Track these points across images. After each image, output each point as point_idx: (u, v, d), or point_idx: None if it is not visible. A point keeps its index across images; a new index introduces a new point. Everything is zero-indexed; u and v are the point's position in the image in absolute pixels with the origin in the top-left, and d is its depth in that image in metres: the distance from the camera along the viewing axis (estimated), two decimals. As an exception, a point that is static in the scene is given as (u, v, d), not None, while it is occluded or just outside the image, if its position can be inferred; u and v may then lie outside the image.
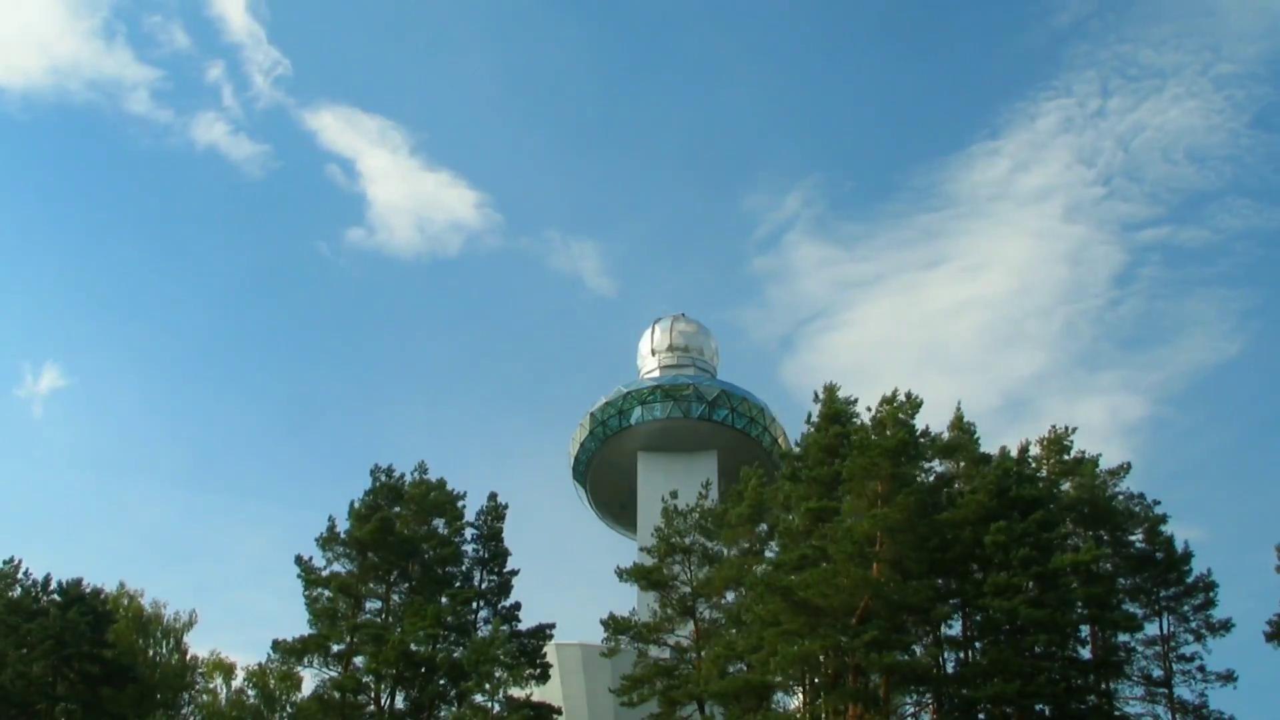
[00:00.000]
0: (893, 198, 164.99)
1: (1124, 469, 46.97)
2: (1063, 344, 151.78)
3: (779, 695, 42.31)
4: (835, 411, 44.42)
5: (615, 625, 47.83)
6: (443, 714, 46.56)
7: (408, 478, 51.51)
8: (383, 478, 51.36)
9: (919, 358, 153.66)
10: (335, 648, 47.41)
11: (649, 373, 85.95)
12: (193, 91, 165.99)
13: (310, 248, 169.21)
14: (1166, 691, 43.45)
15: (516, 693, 45.69)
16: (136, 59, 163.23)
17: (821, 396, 45.43)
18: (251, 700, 56.69)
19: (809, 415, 46.09)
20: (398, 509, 50.26)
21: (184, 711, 59.40)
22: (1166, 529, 45.83)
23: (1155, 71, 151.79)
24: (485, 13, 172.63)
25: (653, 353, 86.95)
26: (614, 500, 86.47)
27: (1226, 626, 44.11)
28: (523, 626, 48.08)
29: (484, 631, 47.79)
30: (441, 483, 51.23)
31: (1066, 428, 48.02)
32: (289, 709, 53.69)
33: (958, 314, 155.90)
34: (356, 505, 49.85)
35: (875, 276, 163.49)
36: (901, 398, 42.35)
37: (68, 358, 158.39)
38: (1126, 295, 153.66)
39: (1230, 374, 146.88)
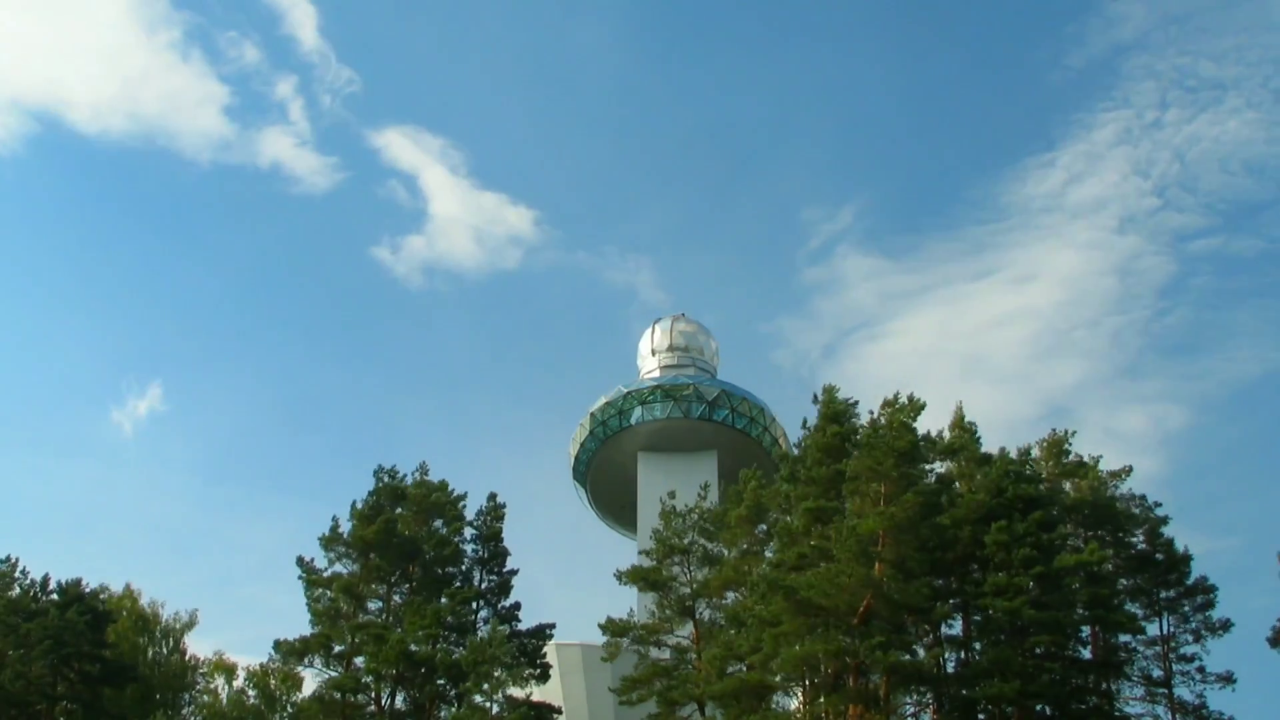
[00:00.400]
0: (945, 210, 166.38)
1: (1125, 471, 47.12)
2: (1108, 354, 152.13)
3: (779, 696, 42.29)
4: (834, 412, 44.40)
5: (614, 628, 47.81)
6: (443, 714, 46.55)
7: (410, 479, 51.54)
8: (385, 478, 51.38)
9: (961, 368, 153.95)
10: (336, 648, 47.44)
11: (649, 373, 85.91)
12: (262, 108, 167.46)
13: (361, 256, 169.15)
14: (1167, 692, 43.53)
15: (516, 693, 45.66)
16: (209, 75, 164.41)
17: (821, 397, 45.42)
18: (252, 700, 56.67)
19: (804, 421, 46.31)
20: (400, 510, 50.28)
21: (184, 712, 59.39)
22: (1167, 530, 46.01)
23: (1215, 84, 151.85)
24: (540, 36, 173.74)
25: (653, 353, 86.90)
26: (614, 500, 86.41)
27: (1226, 627, 44.22)
28: (523, 627, 48.14)
29: (484, 632, 47.78)
30: (443, 484, 51.25)
31: (1066, 431, 48.26)
32: (289, 709, 53.66)
33: (1003, 325, 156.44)
34: (359, 505, 49.90)
35: (922, 288, 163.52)
36: (904, 400, 42.35)
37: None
38: (1175, 305, 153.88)
39: (1275, 383, 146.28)
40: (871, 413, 43.85)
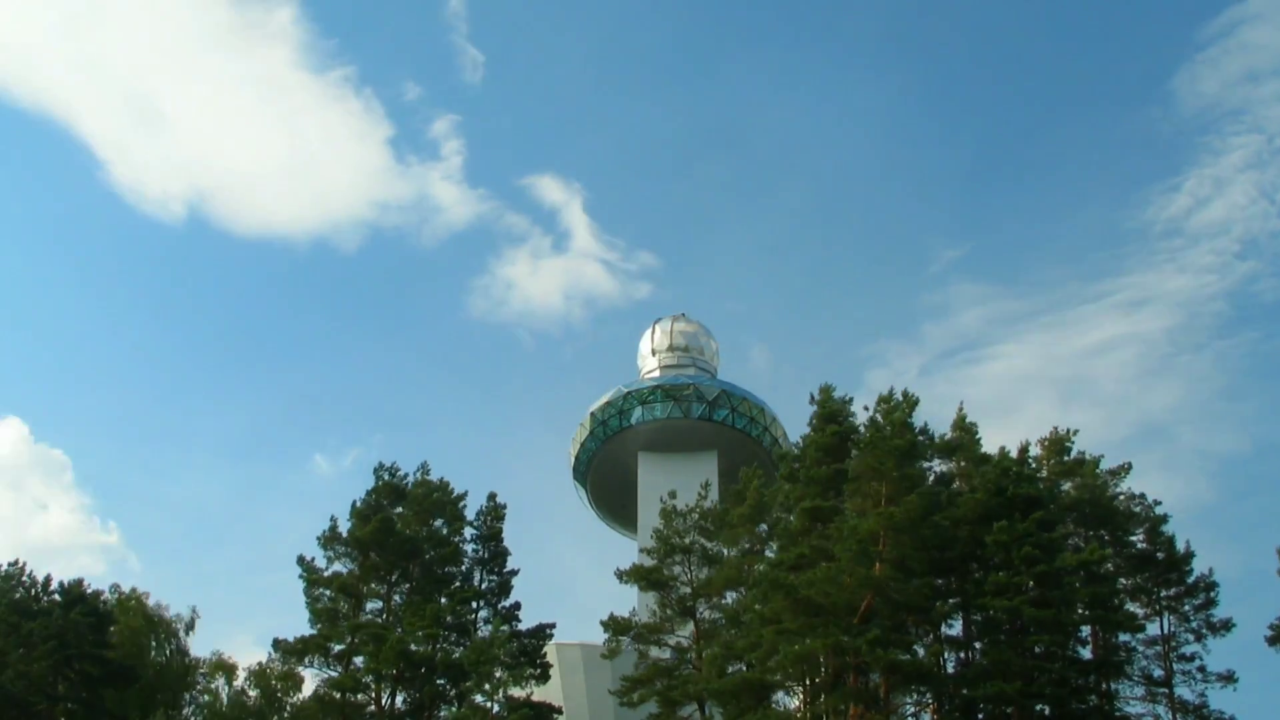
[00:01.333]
0: (1063, 236, 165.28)
1: (1124, 469, 47.04)
2: (1209, 376, 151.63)
3: (779, 695, 42.29)
4: (831, 412, 44.39)
5: (615, 626, 47.82)
6: (442, 714, 46.56)
7: (411, 477, 51.55)
8: (385, 476, 51.37)
9: (1059, 391, 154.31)
10: (336, 648, 47.44)
11: (649, 373, 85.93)
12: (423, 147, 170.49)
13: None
14: (1167, 691, 43.51)
15: (516, 693, 45.69)
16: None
17: (818, 397, 45.40)
18: (253, 700, 56.68)
19: (811, 419, 46.10)
20: (399, 509, 50.27)
21: (185, 712, 59.40)
22: (1167, 529, 45.92)
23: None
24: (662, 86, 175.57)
25: (653, 353, 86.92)
26: (614, 500, 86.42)
27: (1227, 626, 44.19)
28: (523, 626, 48.13)
29: (484, 631, 47.81)
30: (443, 483, 51.25)
31: (1068, 430, 48.13)
32: (290, 709, 53.67)
33: (1107, 350, 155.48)
34: (358, 504, 49.91)
35: (1030, 312, 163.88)
36: (899, 397, 42.34)
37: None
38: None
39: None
40: (867, 408, 43.91)
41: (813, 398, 45.50)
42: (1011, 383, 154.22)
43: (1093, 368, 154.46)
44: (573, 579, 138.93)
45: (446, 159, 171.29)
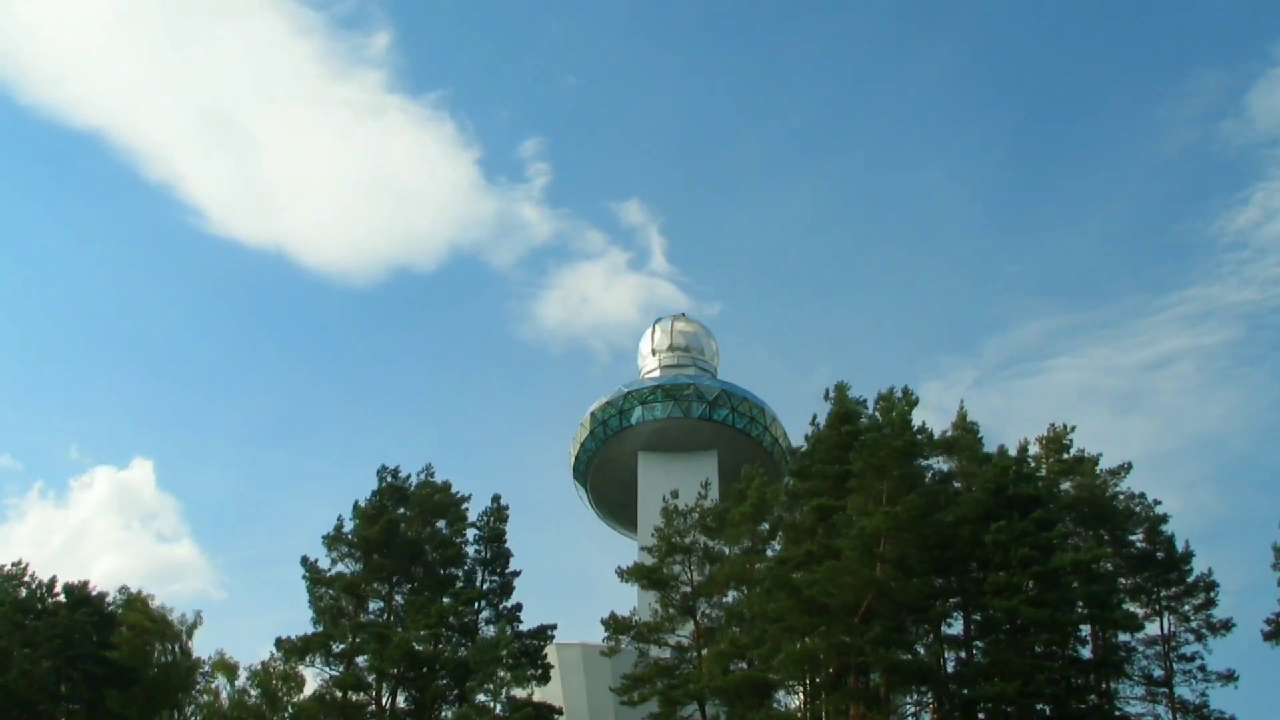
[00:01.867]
0: (1128, 250, 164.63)
1: (1124, 469, 47.07)
2: (1266, 388, 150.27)
3: (780, 693, 42.37)
4: (846, 411, 44.49)
5: (616, 625, 47.88)
6: (444, 714, 46.67)
7: (414, 479, 51.67)
8: (389, 478, 51.48)
9: (1115, 403, 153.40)
10: (337, 647, 47.53)
11: (649, 372, 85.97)
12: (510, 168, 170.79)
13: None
14: (1167, 691, 43.54)
15: (518, 693, 45.79)
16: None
17: (833, 395, 45.53)
18: (254, 700, 56.75)
19: (813, 417, 46.31)
20: (403, 510, 50.37)
21: (186, 711, 59.49)
22: (1167, 528, 45.95)
23: None
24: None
25: (653, 353, 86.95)
26: (614, 500, 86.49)
27: (1227, 626, 44.19)
28: (524, 627, 48.23)
29: (486, 632, 47.92)
30: (446, 485, 51.38)
31: (1065, 426, 48.13)
32: (291, 708, 53.73)
33: (1166, 363, 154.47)
34: (362, 505, 50.00)
35: (1090, 325, 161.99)
36: (899, 394, 42.41)
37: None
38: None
39: None
40: (868, 404, 44.00)
41: (827, 394, 45.67)
42: (1066, 395, 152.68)
43: (1151, 380, 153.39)
44: (573, 579, 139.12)
45: (532, 180, 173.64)
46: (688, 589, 47.75)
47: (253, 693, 57.42)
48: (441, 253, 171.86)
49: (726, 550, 47.79)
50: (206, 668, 61.41)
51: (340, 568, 49.24)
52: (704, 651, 45.40)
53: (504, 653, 45.29)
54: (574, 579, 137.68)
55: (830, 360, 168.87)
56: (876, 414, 42.85)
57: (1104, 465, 46.93)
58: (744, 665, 42.32)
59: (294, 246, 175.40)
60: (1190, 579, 45.09)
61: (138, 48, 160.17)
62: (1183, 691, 43.55)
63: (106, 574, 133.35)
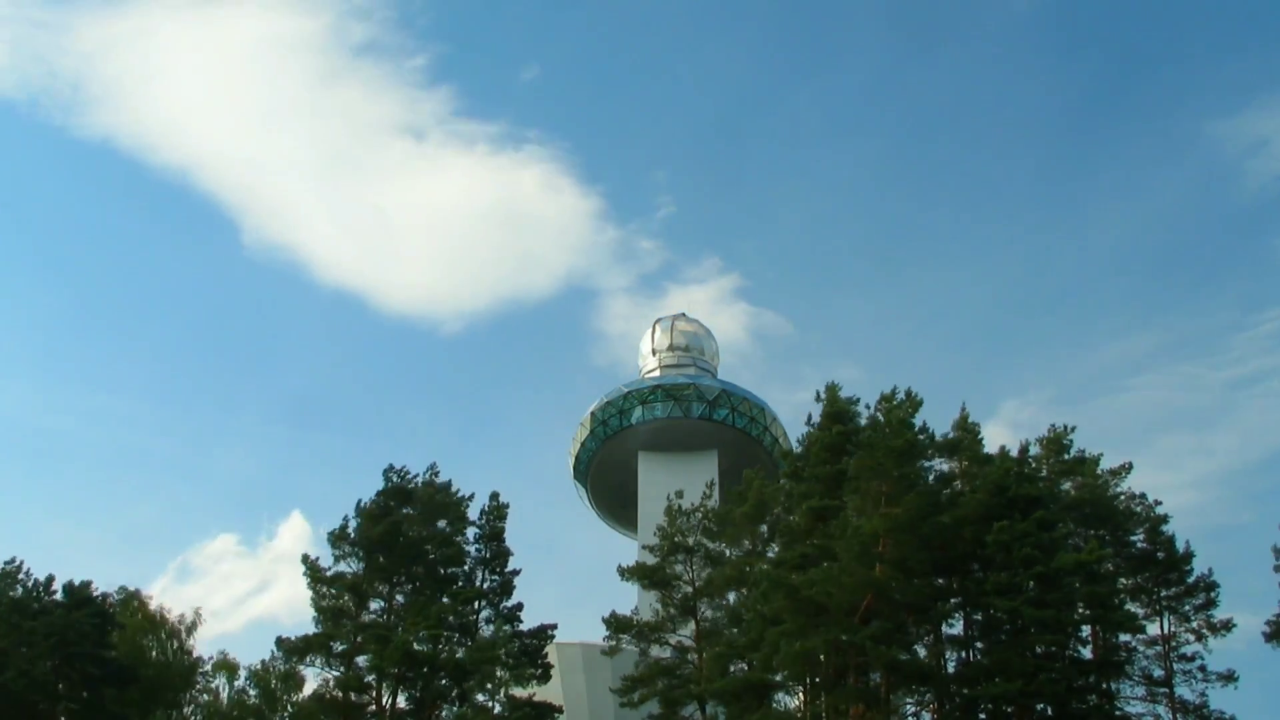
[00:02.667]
0: (1211, 267, 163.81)
1: (1125, 469, 47.05)
2: None
3: (780, 694, 42.33)
4: (838, 410, 44.41)
5: (617, 624, 47.85)
6: (444, 713, 46.61)
7: (420, 479, 51.63)
8: (395, 478, 51.43)
9: (1189, 423, 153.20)
10: (338, 646, 47.47)
11: (649, 372, 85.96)
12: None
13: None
14: (1168, 691, 43.48)
15: (518, 692, 45.73)
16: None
17: (824, 395, 45.41)
18: (253, 700, 56.72)
19: (808, 417, 46.23)
20: (407, 510, 50.32)
21: (185, 711, 59.45)
22: (1167, 529, 45.92)
23: None
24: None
25: (653, 352, 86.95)
26: (615, 500, 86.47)
27: (1228, 626, 44.12)
28: (524, 626, 48.17)
29: (486, 631, 47.87)
30: (449, 484, 51.34)
31: (1066, 426, 48.12)
32: (290, 708, 53.69)
33: (1244, 384, 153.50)
34: (366, 505, 49.94)
35: (1170, 344, 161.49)
36: (901, 395, 42.34)
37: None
38: None
39: None
40: (868, 406, 43.91)
41: (819, 395, 45.56)
42: (1147, 412, 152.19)
43: (1234, 399, 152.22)
44: (574, 579, 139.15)
45: (652, 213, 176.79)
46: (689, 589, 47.71)
47: (252, 692, 57.46)
48: (553, 281, 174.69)
49: (727, 551, 47.75)
50: (206, 667, 61.50)
51: (342, 567, 49.21)
52: (704, 652, 45.35)
53: (502, 652, 45.23)
54: (574, 579, 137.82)
55: (914, 377, 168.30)
56: (878, 414, 42.75)
57: (1105, 465, 47.04)
58: (744, 666, 42.28)
59: (383, 287, 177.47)
60: (1190, 579, 45.06)
61: (239, 100, 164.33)
62: (1183, 692, 43.53)
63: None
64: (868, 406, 44.27)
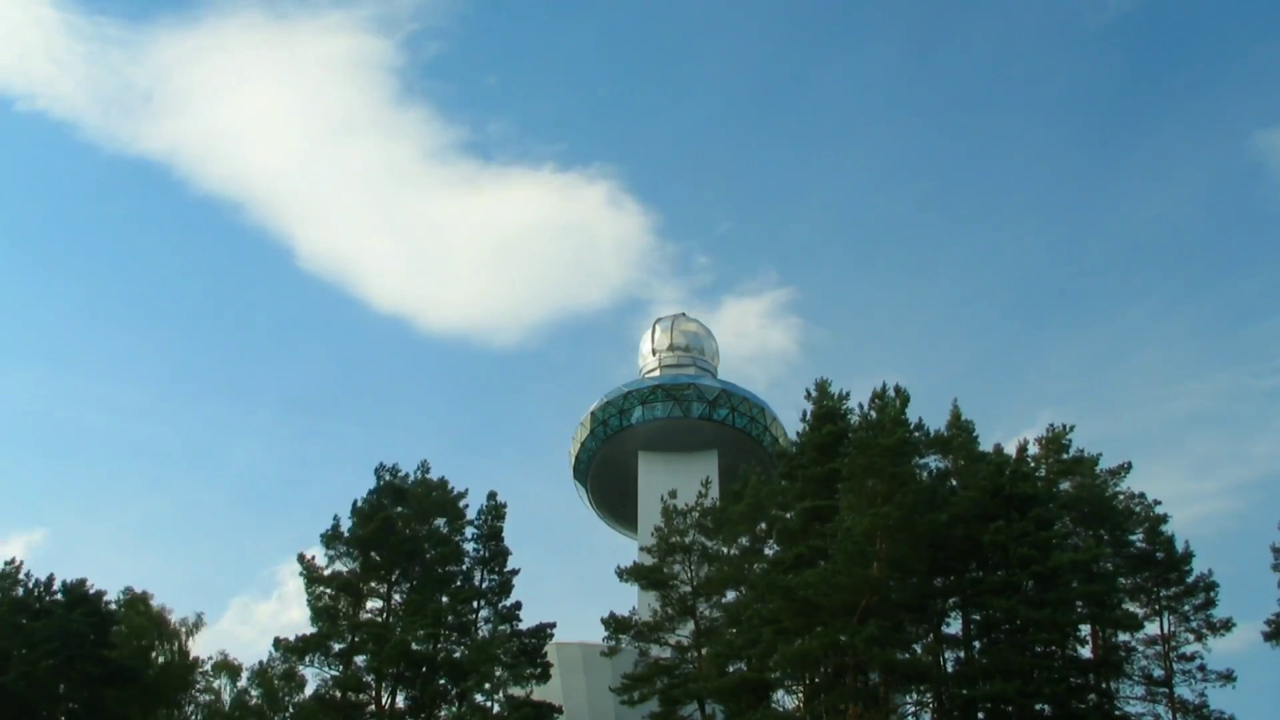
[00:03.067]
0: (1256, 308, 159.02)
1: (1124, 468, 47.00)
2: None
3: (779, 694, 42.31)
4: (827, 409, 44.32)
5: (616, 624, 47.88)
6: (443, 713, 46.61)
7: (411, 477, 51.60)
8: (387, 476, 51.43)
9: (1235, 430, 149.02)
10: (336, 646, 47.48)
11: (649, 372, 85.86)
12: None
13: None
14: (1167, 691, 43.44)
15: (517, 692, 45.74)
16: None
17: (814, 394, 45.31)
18: (254, 700, 56.77)
19: (803, 414, 46.12)
20: (400, 508, 50.32)
21: (186, 711, 59.52)
22: (1166, 528, 45.87)
23: None
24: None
25: (653, 352, 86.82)
26: (614, 500, 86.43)
27: (1228, 626, 44.07)
28: (523, 626, 48.19)
29: (485, 631, 47.88)
30: (443, 482, 51.32)
31: (1065, 426, 48.07)
32: (292, 708, 53.72)
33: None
34: (359, 504, 49.95)
35: (1214, 348, 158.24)
36: (891, 393, 42.28)
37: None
38: None
39: None
40: (861, 405, 43.81)
41: (809, 393, 45.45)
42: (1186, 418, 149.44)
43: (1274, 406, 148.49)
44: (573, 579, 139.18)
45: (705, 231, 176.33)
46: (687, 589, 47.72)
47: (253, 693, 57.52)
48: (609, 295, 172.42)
49: (725, 550, 47.75)
50: (207, 667, 61.58)
51: (338, 566, 49.21)
52: (703, 651, 45.36)
53: (501, 651, 45.24)
54: (574, 579, 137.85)
55: (956, 388, 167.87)
56: (870, 412, 42.67)
57: (1105, 465, 46.98)
58: (742, 666, 42.27)
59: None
60: (1190, 579, 45.01)
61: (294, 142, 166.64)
62: (1182, 691, 43.50)
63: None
64: (860, 405, 44.23)
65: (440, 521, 50.45)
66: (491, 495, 51.11)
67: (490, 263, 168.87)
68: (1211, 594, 44.70)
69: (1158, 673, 43.97)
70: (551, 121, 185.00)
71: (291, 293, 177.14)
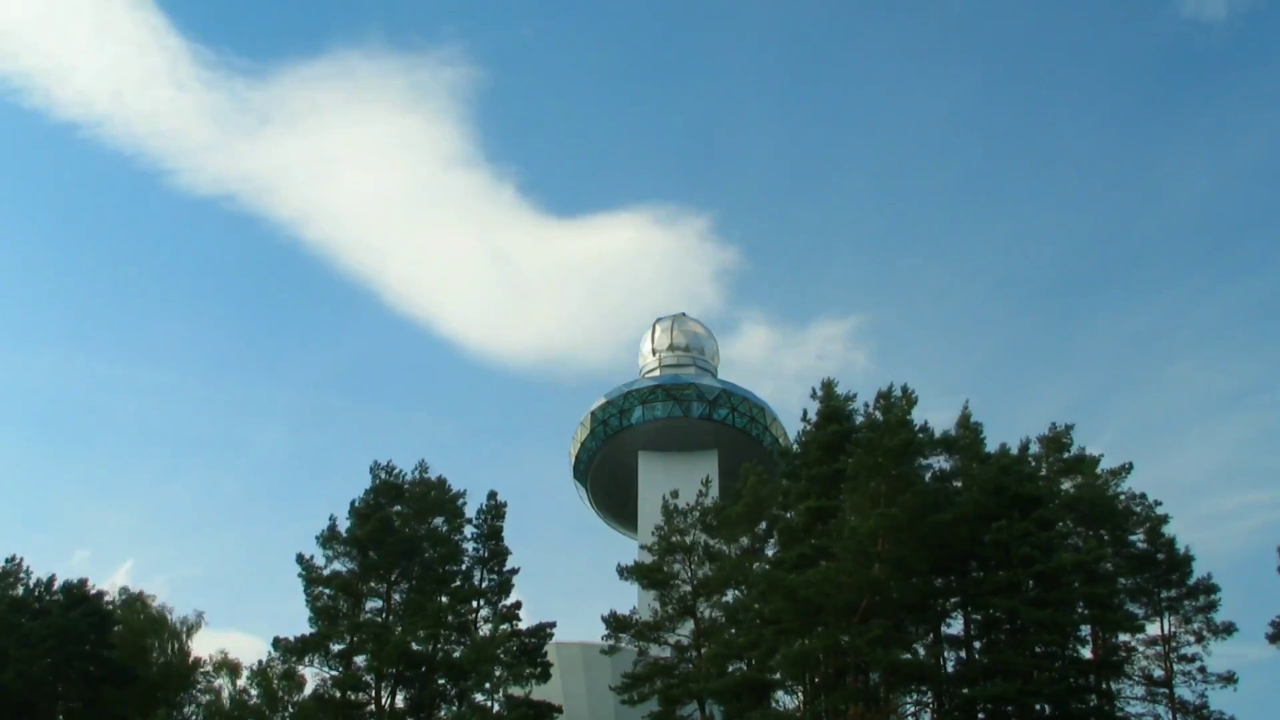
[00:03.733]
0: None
1: (1125, 468, 46.97)
2: None
3: (779, 694, 42.27)
4: (833, 409, 44.30)
5: (616, 623, 47.83)
6: (443, 713, 46.56)
7: (408, 476, 51.55)
8: (383, 475, 51.36)
9: (1251, 473, 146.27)
10: (336, 646, 47.43)
11: (650, 372, 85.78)
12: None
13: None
14: (1167, 692, 43.43)
15: (517, 692, 45.67)
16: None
17: (820, 394, 45.30)
18: (254, 700, 56.68)
19: (804, 413, 46.10)
20: (398, 507, 50.26)
21: (186, 710, 59.45)
22: (1168, 530, 45.85)
23: None
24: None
25: (653, 352, 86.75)
26: (614, 499, 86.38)
27: (1229, 630, 44.02)
28: (523, 625, 48.13)
29: (484, 630, 47.80)
30: (441, 481, 51.27)
31: (1066, 426, 48.02)
32: (291, 708, 53.66)
33: None
34: (357, 503, 49.88)
35: (1243, 390, 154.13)
36: (898, 393, 42.24)
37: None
38: None
39: None
40: (866, 405, 43.76)
41: (814, 393, 45.45)
42: (1226, 445, 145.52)
43: None
44: (573, 578, 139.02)
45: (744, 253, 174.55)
46: (687, 588, 47.67)
47: (253, 692, 57.42)
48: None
49: (726, 550, 47.70)
50: (207, 667, 61.51)
51: (336, 566, 49.15)
52: (703, 651, 45.31)
53: (500, 651, 45.16)
54: (574, 579, 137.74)
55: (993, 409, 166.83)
56: (876, 413, 42.63)
57: (1105, 465, 46.95)
58: (743, 666, 42.22)
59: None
60: (1191, 581, 44.95)
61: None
62: (1183, 692, 43.50)
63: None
64: (866, 405, 44.21)
65: (439, 521, 50.41)
66: (491, 495, 51.17)
67: (559, 297, 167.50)
68: (1212, 597, 44.67)
69: (1158, 673, 43.96)
70: (635, 158, 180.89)
71: (324, 297, 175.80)
